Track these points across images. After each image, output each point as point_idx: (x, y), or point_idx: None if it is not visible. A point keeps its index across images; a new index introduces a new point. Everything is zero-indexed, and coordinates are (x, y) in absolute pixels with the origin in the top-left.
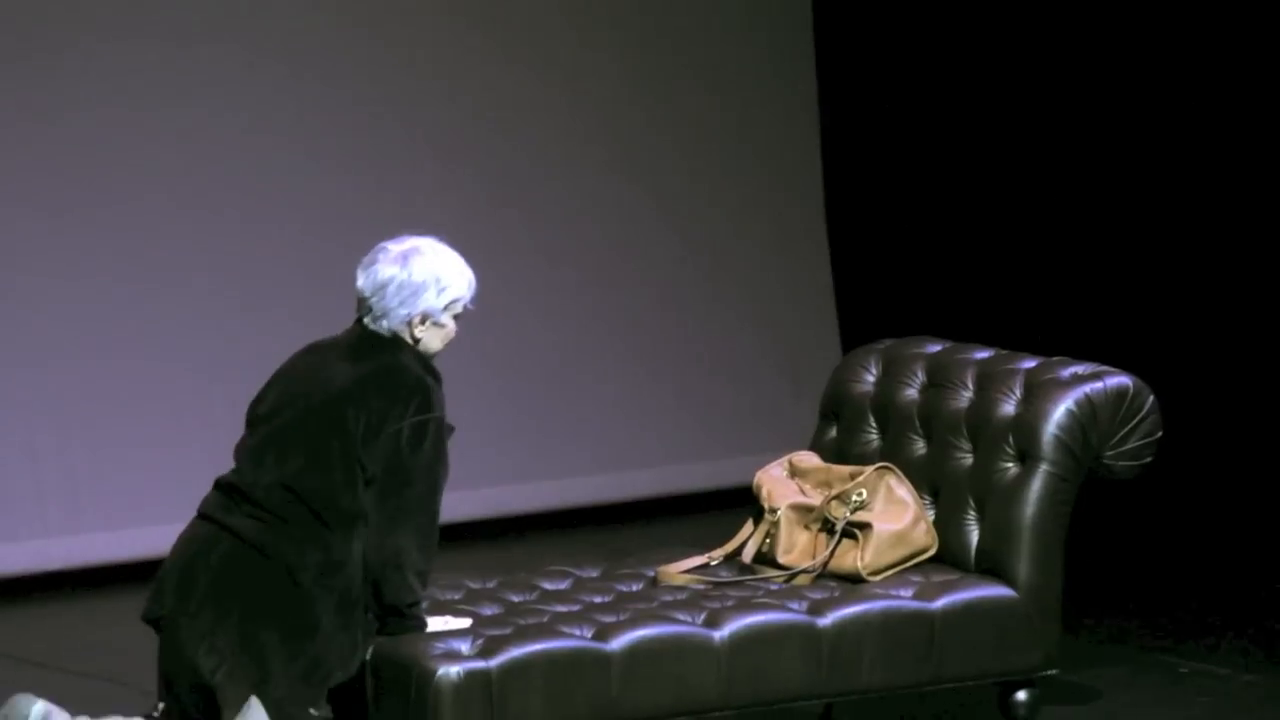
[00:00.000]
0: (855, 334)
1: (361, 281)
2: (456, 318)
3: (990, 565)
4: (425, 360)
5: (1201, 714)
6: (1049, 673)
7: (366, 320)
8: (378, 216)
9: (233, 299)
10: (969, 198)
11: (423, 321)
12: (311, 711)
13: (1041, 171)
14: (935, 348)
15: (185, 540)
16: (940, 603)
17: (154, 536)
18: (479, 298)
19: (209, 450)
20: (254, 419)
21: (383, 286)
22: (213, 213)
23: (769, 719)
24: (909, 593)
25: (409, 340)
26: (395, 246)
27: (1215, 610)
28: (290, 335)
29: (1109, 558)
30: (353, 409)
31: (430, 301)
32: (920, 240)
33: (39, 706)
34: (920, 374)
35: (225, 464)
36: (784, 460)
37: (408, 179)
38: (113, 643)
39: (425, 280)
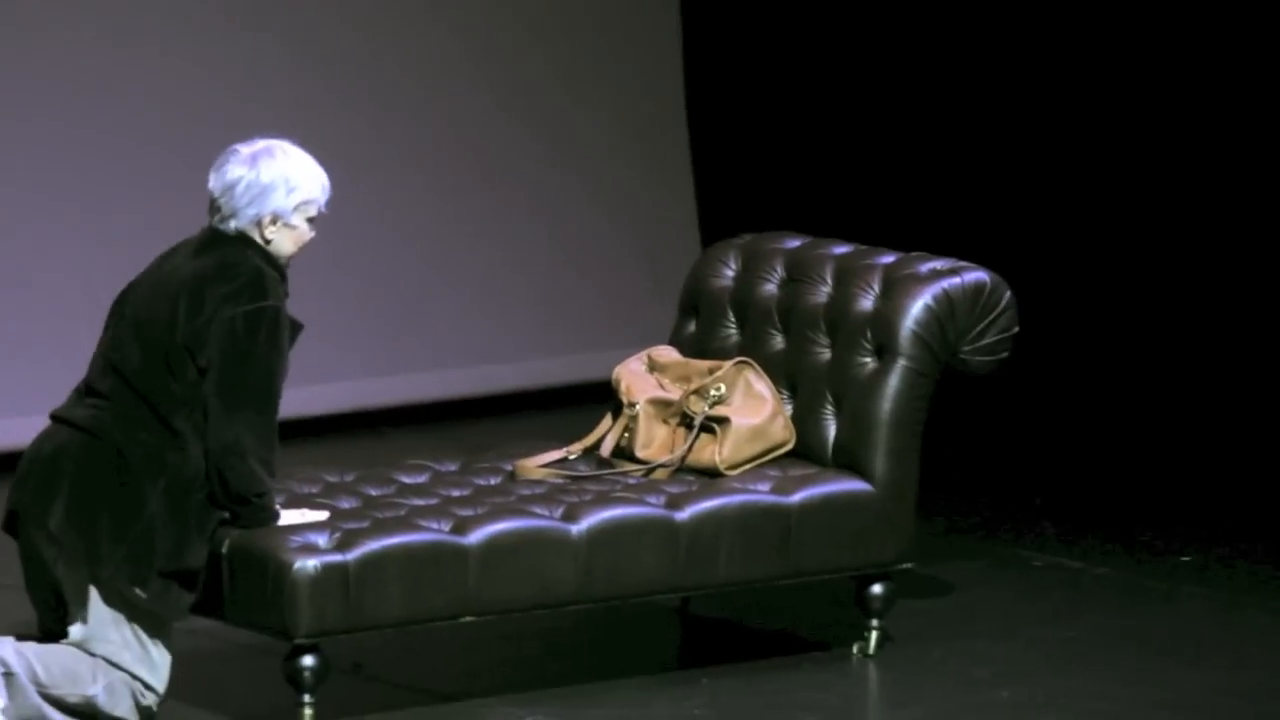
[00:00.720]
0: (715, 229)
1: (212, 183)
2: (311, 221)
3: (847, 460)
4: (269, 256)
5: (1055, 607)
6: (905, 566)
7: (215, 220)
8: (235, 119)
9: (94, 197)
10: (830, 93)
11: (273, 222)
12: (138, 592)
13: (901, 67)
14: (794, 243)
15: (32, 442)
16: (797, 497)
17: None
18: (338, 193)
19: (67, 345)
20: (109, 321)
21: (231, 187)
22: (86, 113)
23: (627, 613)
24: (766, 487)
25: (259, 240)
26: (246, 148)
27: (1068, 505)
28: (156, 235)
29: (966, 453)
30: (186, 299)
31: (279, 202)
32: (780, 135)
33: None
34: (779, 269)
35: (85, 359)
36: (643, 355)
37: (262, 81)
38: None
39: (273, 181)
